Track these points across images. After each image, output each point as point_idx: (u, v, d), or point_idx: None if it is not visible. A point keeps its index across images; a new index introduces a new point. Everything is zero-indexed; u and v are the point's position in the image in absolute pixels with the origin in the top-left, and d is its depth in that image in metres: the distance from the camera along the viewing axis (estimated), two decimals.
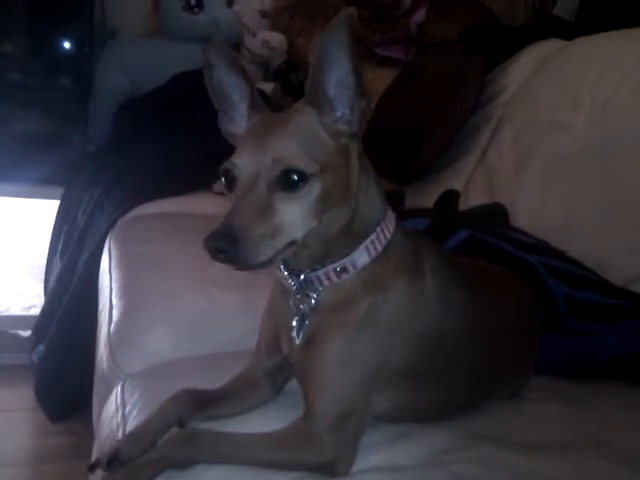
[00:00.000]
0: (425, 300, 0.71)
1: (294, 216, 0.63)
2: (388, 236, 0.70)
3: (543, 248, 1.12)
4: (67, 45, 2.17)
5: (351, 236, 0.68)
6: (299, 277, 0.70)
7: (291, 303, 0.71)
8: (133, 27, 2.41)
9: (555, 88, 1.52)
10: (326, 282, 0.69)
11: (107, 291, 1.20)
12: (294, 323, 0.71)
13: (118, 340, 1.03)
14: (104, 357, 1.03)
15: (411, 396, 0.73)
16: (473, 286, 0.79)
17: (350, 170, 0.67)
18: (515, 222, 1.35)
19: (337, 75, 0.64)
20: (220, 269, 1.22)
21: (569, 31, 1.79)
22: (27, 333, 1.92)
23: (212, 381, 0.78)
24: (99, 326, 1.15)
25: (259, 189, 0.62)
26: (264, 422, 0.71)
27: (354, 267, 0.69)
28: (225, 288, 1.12)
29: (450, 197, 1.43)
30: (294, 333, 0.71)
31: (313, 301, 0.70)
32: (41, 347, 1.61)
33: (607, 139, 1.31)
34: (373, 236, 0.69)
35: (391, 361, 0.70)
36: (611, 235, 1.21)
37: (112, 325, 1.07)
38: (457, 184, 1.65)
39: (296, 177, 0.62)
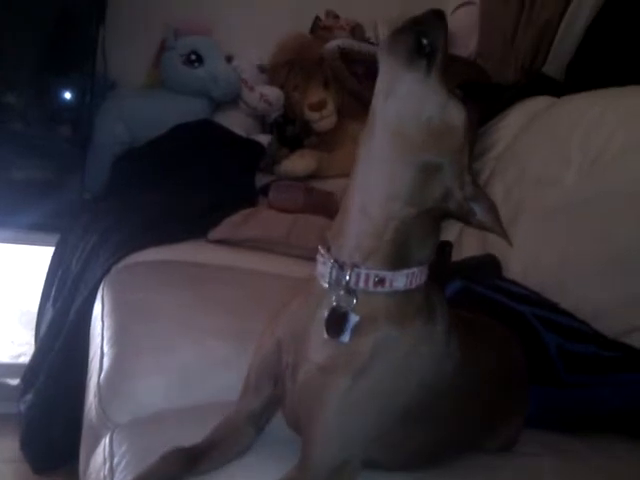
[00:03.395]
0: (434, 343, 0.70)
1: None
2: (423, 280, 0.69)
3: (536, 300, 1.13)
4: (68, 96, 2.21)
5: (390, 246, 0.66)
6: (342, 270, 0.67)
7: (332, 298, 0.67)
8: (134, 79, 2.47)
9: (544, 144, 1.56)
10: (362, 285, 0.66)
11: (99, 339, 1.19)
12: (325, 314, 0.67)
13: (108, 389, 1.01)
14: (93, 406, 1.01)
15: (400, 436, 0.71)
16: (464, 332, 0.79)
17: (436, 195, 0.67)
18: (508, 274, 1.36)
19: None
20: (214, 317, 1.21)
21: (558, 89, 1.84)
22: (15, 381, 1.89)
23: (203, 432, 0.76)
24: (89, 375, 1.14)
25: None
26: (256, 477, 0.69)
27: (391, 285, 0.66)
28: (218, 337, 1.12)
29: (443, 248, 1.45)
30: (323, 332, 0.67)
31: (355, 301, 0.66)
32: (29, 396, 1.58)
33: (597, 194, 1.34)
34: (415, 269, 0.67)
35: (397, 402, 0.68)
36: (604, 288, 1.22)
37: (102, 374, 1.05)
38: (450, 235, 1.66)
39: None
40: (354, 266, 0.67)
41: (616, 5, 1.97)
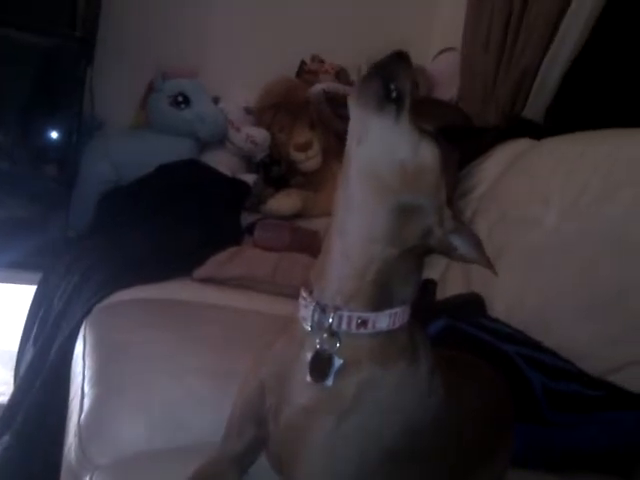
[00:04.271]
0: (418, 383, 0.70)
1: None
2: (406, 319, 0.69)
3: (520, 338, 1.13)
4: (55, 135, 2.23)
5: (372, 287, 0.66)
6: (324, 313, 0.66)
7: (316, 341, 0.67)
8: (121, 119, 2.49)
9: (525, 185, 1.59)
10: (345, 327, 0.66)
11: (79, 379, 1.17)
12: (308, 357, 0.66)
13: (88, 430, 0.99)
14: (72, 448, 0.98)
15: (385, 478, 0.69)
16: (447, 371, 0.78)
17: (415, 233, 0.67)
18: (492, 313, 1.37)
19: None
20: (197, 357, 1.19)
21: (538, 132, 1.89)
22: None
23: (185, 475, 0.75)
24: (69, 415, 1.12)
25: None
26: None
27: (373, 326, 0.66)
28: (202, 377, 1.10)
29: (427, 286, 1.45)
30: (307, 375, 0.66)
31: (338, 344, 0.66)
32: (5, 438, 1.54)
33: (577, 234, 1.36)
34: (398, 309, 0.67)
35: (381, 443, 0.67)
36: (587, 327, 1.23)
37: (83, 414, 1.03)
38: (435, 272, 1.67)
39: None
40: (336, 309, 0.67)
41: (594, 52, 2.04)
